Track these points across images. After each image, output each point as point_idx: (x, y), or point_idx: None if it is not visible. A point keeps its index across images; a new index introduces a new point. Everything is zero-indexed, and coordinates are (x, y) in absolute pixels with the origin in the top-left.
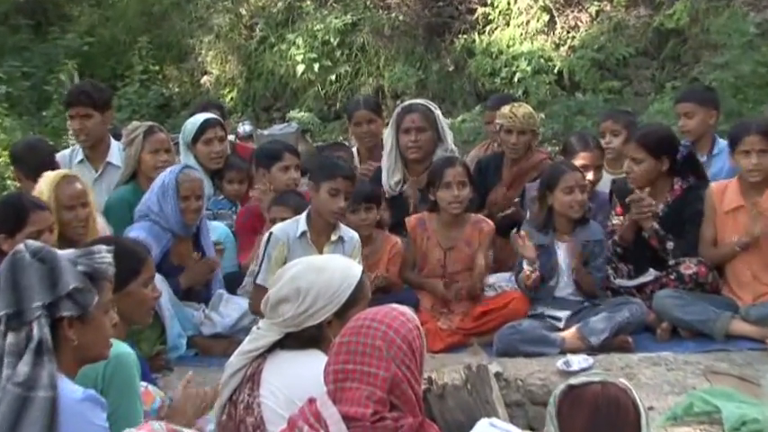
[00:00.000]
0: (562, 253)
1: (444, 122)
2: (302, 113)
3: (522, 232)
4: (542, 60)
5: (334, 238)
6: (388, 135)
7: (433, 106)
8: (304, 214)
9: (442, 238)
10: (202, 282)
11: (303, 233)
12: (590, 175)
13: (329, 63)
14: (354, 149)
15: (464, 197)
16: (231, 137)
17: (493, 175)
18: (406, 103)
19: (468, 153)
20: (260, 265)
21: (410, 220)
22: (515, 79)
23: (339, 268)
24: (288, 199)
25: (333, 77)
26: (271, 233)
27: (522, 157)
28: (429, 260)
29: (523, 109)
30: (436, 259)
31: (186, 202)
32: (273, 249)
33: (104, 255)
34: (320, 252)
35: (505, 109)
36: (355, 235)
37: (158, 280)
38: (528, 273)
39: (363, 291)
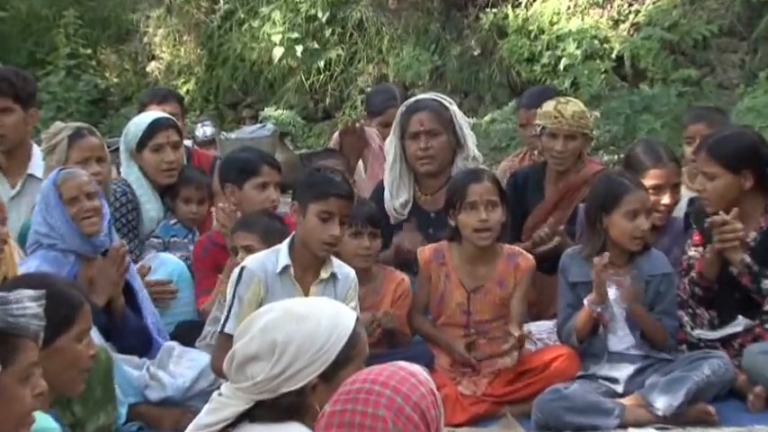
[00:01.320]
0: (616, 293)
1: (464, 122)
2: (280, 111)
3: (606, 256)
4: (596, 42)
5: (324, 275)
6: (390, 143)
7: (448, 101)
8: (285, 244)
9: (465, 277)
10: (121, 282)
11: (285, 268)
12: (665, 198)
13: (316, 45)
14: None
15: (494, 222)
16: (188, 142)
17: (532, 192)
18: (412, 99)
19: (499, 164)
20: (229, 310)
21: (423, 252)
22: (561, 66)
23: (326, 316)
24: (254, 222)
25: (321, 64)
26: (243, 268)
27: (571, 170)
28: (447, 305)
29: (572, 106)
30: (457, 304)
31: (75, 205)
32: (247, 289)
33: (26, 305)
34: (306, 293)
35: (549, 106)
36: (351, 272)
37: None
38: (591, 313)
39: (359, 346)
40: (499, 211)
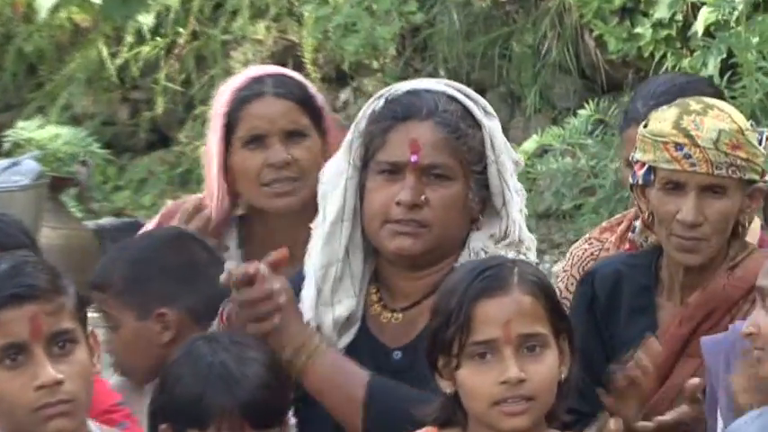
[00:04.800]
0: None
1: (509, 157)
2: (54, 131)
3: None
4: None
5: None
6: (332, 179)
7: (481, 104)
8: None
9: None
10: None
11: None
12: None
13: None
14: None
15: (538, 387)
16: None
17: (633, 314)
18: (403, 86)
19: (567, 252)
20: None
21: None
22: (696, 29)
23: None
24: None
25: (146, 23)
26: None
27: (717, 263)
28: None
29: (717, 119)
30: None
31: None
32: None
33: None
34: None
35: (665, 120)
36: None
37: None
38: None
39: None
40: (549, 360)
